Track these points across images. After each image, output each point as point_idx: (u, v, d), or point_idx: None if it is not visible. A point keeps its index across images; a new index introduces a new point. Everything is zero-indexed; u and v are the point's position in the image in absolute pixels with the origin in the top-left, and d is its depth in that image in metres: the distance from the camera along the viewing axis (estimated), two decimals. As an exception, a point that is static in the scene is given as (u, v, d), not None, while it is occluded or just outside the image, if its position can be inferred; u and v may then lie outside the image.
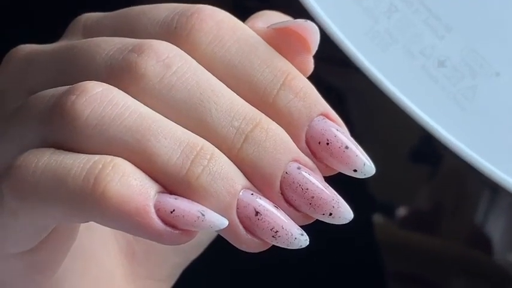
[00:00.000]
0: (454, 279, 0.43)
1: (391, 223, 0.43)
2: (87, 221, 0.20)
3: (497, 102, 0.30)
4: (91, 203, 0.19)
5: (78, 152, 0.20)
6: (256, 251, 0.21)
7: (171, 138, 0.20)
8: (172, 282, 0.30)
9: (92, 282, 0.26)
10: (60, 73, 0.22)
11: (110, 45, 0.22)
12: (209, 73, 0.22)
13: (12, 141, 0.22)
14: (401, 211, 0.43)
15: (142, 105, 0.21)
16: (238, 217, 0.20)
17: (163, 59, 0.21)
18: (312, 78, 0.23)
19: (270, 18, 0.25)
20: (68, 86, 0.21)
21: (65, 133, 0.20)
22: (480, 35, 0.30)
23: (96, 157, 0.20)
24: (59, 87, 0.21)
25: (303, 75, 0.23)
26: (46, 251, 0.23)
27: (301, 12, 0.28)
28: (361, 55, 0.30)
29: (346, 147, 0.22)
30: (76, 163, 0.20)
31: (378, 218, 0.43)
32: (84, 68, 0.22)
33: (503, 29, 0.30)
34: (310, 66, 0.23)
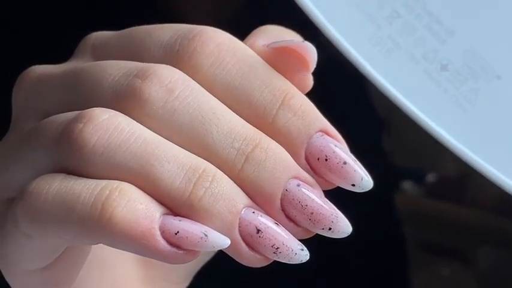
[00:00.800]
0: (481, 248, 0.43)
1: (417, 192, 0.43)
2: (97, 243, 0.21)
3: (499, 105, 0.30)
4: (99, 228, 0.20)
5: (87, 177, 0.21)
6: (259, 266, 0.22)
7: (174, 163, 0.21)
8: (187, 283, 0.32)
9: None
10: (69, 97, 0.23)
11: (115, 69, 0.23)
12: (210, 95, 0.22)
13: (25, 163, 0.23)
14: (429, 178, 0.43)
15: (147, 129, 0.22)
16: (241, 235, 0.21)
17: (166, 83, 0.22)
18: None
19: (271, 34, 0.25)
20: (76, 113, 0.22)
21: (74, 160, 0.21)
22: (481, 38, 0.31)
23: (104, 183, 0.21)
24: (69, 113, 0.22)
25: (302, 92, 0.24)
26: (61, 267, 0.24)
27: (304, 23, 0.29)
28: (364, 61, 0.30)
29: (344, 163, 0.23)
30: (84, 189, 0.21)
31: (404, 186, 0.43)
32: (91, 93, 0.23)
33: (504, 32, 0.31)
34: (309, 83, 0.24)
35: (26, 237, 0.22)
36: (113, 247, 0.21)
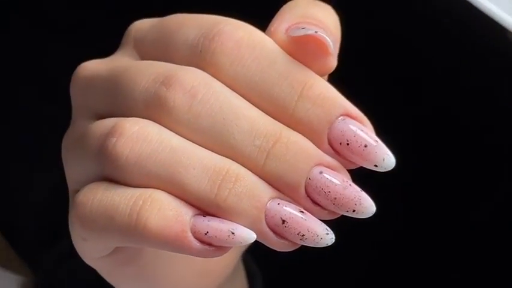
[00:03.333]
0: None
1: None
2: (140, 246, 0.24)
3: None
4: (137, 234, 0.23)
5: (126, 185, 0.23)
6: (288, 250, 0.24)
7: (199, 167, 0.23)
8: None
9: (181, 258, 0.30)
10: (110, 101, 0.25)
11: (146, 75, 0.24)
12: (233, 94, 0.24)
13: (78, 165, 0.25)
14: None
15: (174, 136, 0.23)
16: (268, 225, 0.23)
17: (189, 89, 0.23)
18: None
19: (297, 12, 0.25)
20: (112, 124, 0.24)
21: (112, 171, 0.23)
22: None
23: (138, 192, 0.23)
24: (108, 122, 0.24)
25: (325, 74, 0.24)
26: (122, 253, 0.27)
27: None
28: None
29: (365, 146, 0.24)
30: (122, 200, 0.23)
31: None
32: (126, 100, 0.24)
33: None
34: (331, 66, 0.24)
35: (82, 239, 0.25)
36: (154, 248, 0.23)
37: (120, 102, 0.25)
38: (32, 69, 0.48)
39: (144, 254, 0.28)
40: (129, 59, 0.26)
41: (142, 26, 0.27)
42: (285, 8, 0.26)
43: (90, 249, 0.26)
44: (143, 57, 0.26)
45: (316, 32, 0.24)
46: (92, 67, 0.27)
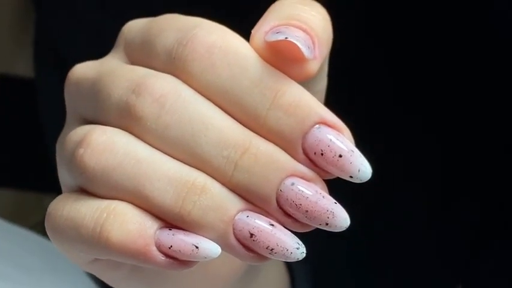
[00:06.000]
0: None
1: None
2: (107, 258, 0.24)
3: None
4: (101, 248, 0.22)
5: (95, 195, 0.23)
6: (258, 263, 0.23)
7: (164, 179, 0.22)
8: None
9: None
10: (93, 106, 0.25)
11: (123, 81, 0.24)
12: (203, 102, 0.23)
13: (61, 171, 0.25)
14: None
15: (142, 146, 0.23)
16: (237, 238, 0.23)
17: (158, 98, 0.23)
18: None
19: (281, 13, 0.24)
20: (82, 134, 0.24)
21: (81, 181, 0.23)
22: None
23: (104, 205, 0.23)
24: (80, 131, 0.24)
25: (305, 80, 0.23)
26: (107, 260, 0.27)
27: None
28: None
29: (340, 156, 0.23)
30: (88, 212, 0.23)
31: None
32: (103, 106, 0.24)
33: None
34: (309, 71, 0.23)
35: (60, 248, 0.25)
36: (121, 261, 0.23)
37: (99, 108, 0.24)
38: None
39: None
40: (116, 62, 0.26)
41: (133, 27, 0.27)
42: (271, 8, 0.25)
43: (75, 257, 0.26)
44: (131, 60, 0.26)
45: (286, 38, 0.23)
46: (81, 70, 0.26)
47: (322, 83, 0.27)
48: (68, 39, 0.46)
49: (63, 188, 0.26)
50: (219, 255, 0.22)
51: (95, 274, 0.28)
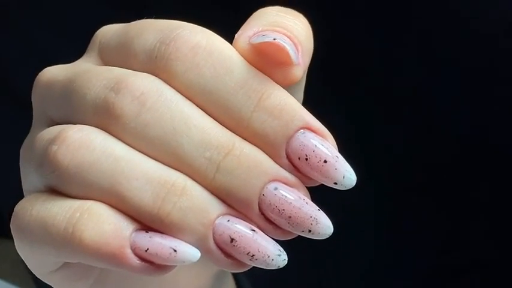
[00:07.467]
0: None
1: None
2: (76, 261, 0.22)
3: None
4: (72, 249, 0.21)
5: (68, 196, 0.22)
6: (237, 271, 0.22)
7: (143, 179, 0.21)
8: None
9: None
10: (65, 107, 0.24)
11: (99, 80, 0.23)
12: (185, 102, 0.22)
13: (26, 175, 0.24)
14: None
15: (119, 144, 0.22)
16: (216, 243, 0.22)
17: (138, 96, 0.22)
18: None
19: (264, 19, 0.24)
20: (56, 132, 0.22)
21: (53, 180, 0.22)
22: None
23: (77, 204, 0.21)
24: (53, 130, 0.23)
25: (289, 85, 0.23)
26: (71, 267, 0.25)
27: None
28: None
29: (325, 162, 0.22)
30: (60, 211, 0.21)
31: None
32: (78, 106, 0.23)
33: None
34: (294, 76, 0.23)
35: (23, 253, 0.24)
36: (92, 264, 0.22)
37: (72, 108, 0.23)
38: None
39: (98, 269, 0.26)
40: (91, 64, 0.25)
41: (107, 31, 0.26)
42: (254, 15, 0.25)
43: (38, 263, 0.24)
44: (106, 63, 0.25)
45: (274, 39, 0.22)
46: (52, 72, 0.26)
47: (298, 96, 0.26)
48: (19, 66, 0.44)
49: (25, 195, 0.25)
50: (198, 260, 0.21)
51: (53, 286, 0.26)
